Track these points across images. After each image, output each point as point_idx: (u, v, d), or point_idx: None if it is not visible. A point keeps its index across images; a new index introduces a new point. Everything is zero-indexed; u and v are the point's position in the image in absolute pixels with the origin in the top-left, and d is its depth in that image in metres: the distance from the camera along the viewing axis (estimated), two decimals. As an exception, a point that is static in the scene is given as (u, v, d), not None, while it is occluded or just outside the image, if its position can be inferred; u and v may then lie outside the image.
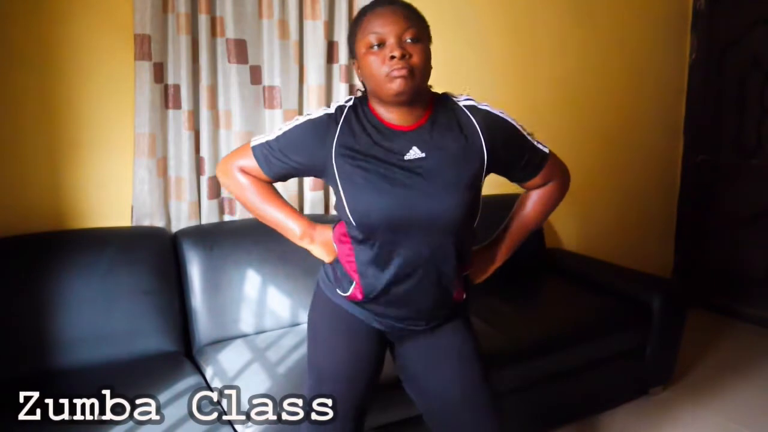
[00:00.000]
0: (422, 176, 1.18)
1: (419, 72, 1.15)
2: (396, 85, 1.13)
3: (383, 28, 1.14)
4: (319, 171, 1.25)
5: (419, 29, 1.16)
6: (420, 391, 1.41)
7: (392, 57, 1.12)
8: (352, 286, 1.29)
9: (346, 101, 1.26)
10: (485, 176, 1.26)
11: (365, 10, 1.19)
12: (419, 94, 1.20)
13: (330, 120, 1.22)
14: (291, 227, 1.35)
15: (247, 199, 1.34)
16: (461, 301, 1.34)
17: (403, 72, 1.12)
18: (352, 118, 1.22)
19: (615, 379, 2.44)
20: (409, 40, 1.14)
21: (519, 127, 1.29)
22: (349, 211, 1.21)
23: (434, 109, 1.24)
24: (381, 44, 1.14)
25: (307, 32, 2.30)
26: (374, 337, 1.36)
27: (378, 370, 1.39)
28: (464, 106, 1.25)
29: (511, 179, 1.37)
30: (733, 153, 3.47)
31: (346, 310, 1.34)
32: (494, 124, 1.25)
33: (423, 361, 1.38)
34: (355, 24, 1.20)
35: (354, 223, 1.21)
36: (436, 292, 1.27)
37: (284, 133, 1.26)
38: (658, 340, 2.44)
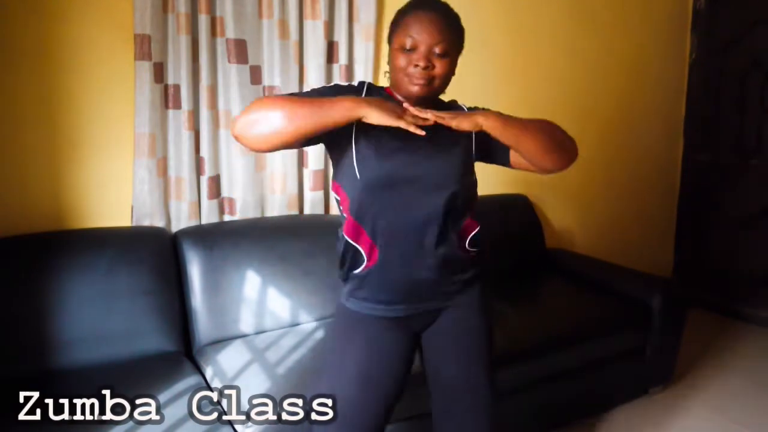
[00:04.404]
0: (419, 143, 1.25)
1: (438, 81, 1.26)
2: (414, 90, 1.25)
3: (419, 36, 1.22)
4: (339, 130, 1.21)
5: (451, 42, 1.24)
6: (429, 376, 1.45)
7: (416, 65, 1.23)
8: (361, 263, 1.32)
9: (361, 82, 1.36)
10: (475, 154, 1.36)
11: (410, 8, 1.26)
12: (430, 99, 1.30)
13: (353, 90, 1.32)
14: (342, 102, 1.18)
15: (292, 104, 1.17)
16: (467, 274, 1.37)
17: (421, 81, 1.24)
18: (372, 93, 1.33)
19: (615, 379, 2.44)
20: (437, 53, 1.23)
21: None
22: (358, 169, 1.26)
23: (437, 106, 1.34)
24: (413, 49, 1.23)
25: (307, 32, 2.30)
26: (392, 342, 1.35)
27: (396, 379, 1.36)
28: (465, 107, 1.38)
29: (499, 161, 1.41)
30: (733, 153, 3.48)
31: (358, 312, 1.35)
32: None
33: (434, 349, 1.42)
34: (399, 17, 1.28)
35: (360, 181, 1.26)
36: (429, 256, 1.29)
37: (312, 90, 1.32)
38: (658, 340, 2.44)
